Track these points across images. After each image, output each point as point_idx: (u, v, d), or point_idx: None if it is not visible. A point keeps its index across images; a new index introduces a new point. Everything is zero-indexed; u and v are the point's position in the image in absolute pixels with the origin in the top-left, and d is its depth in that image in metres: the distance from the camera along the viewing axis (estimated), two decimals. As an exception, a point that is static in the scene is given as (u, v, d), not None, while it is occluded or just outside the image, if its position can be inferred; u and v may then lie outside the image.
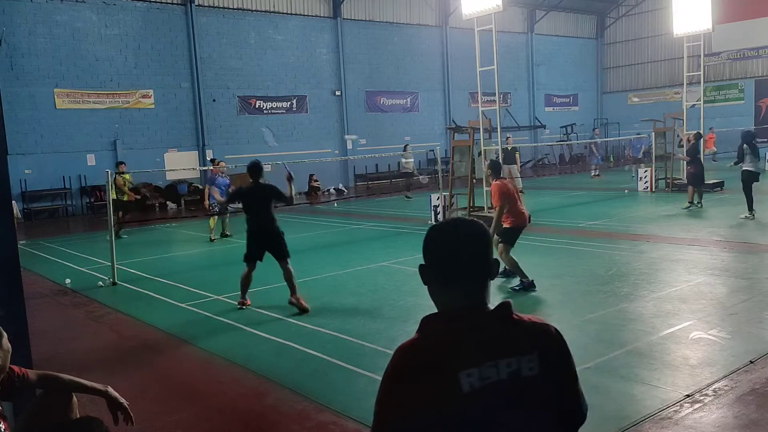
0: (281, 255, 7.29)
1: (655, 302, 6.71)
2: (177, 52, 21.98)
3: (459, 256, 1.66)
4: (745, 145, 12.03)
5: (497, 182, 7.84)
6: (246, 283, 7.35)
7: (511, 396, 1.61)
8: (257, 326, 6.61)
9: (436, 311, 1.71)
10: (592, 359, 5.03)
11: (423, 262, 1.71)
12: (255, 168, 7.62)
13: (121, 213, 13.90)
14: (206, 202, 13.80)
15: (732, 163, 13.14)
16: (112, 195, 12.51)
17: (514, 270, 7.67)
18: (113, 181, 12.93)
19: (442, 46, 29.44)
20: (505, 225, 7.77)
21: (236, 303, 7.47)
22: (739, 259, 8.82)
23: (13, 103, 18.66)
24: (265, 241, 7.30)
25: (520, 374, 1.61)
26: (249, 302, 7.42)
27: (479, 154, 14.11)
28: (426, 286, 1.73)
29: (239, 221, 15.57)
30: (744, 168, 12.07)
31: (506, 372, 1.61)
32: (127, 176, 13.97)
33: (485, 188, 13.67)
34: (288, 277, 7.19)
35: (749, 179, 12.01)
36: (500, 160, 10.35)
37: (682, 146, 19.22)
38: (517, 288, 7.54)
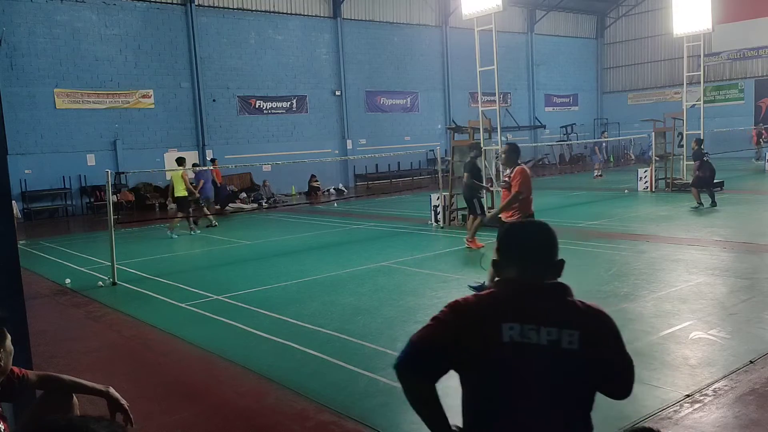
0: (471, 212, 10.86)
1: (655, 302, 6.71)
2: (177, 52, 21.99)
3: (523, 245, 2.04)
4: None
5: (522, 166, 7.59)
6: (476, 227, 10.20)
7: (546, 360, 1.84)
8: (257, 326, 6.61)
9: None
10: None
11: (495, 257, 2.10)
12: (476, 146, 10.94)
13: (181, 211, 14.41)
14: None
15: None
16: (183, 192, 13.85)
17: None
18: (180, 176, 13.84)
19: (442, 46, 29.44)
20: (507, 218, 7.48)
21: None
22: (739, 259, 8.82)
23: (13, 103, 18.65)
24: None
25: (560, 345, 1.84)
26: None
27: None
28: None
29: (234, 223, 15.63)
30: None
31: (546, 339, 1.84)
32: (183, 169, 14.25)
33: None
34: (472, 224, 10.45)
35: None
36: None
37: (682, 146, 19.23)
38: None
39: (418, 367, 1.97)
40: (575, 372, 1.84)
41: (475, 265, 9.16)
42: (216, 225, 15.23)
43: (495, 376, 1.88)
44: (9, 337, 2.66)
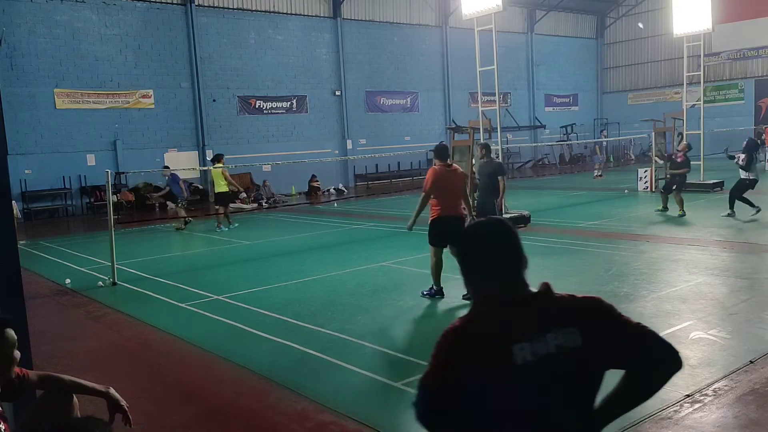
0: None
1: (655, 302, 6.71)
2: (177, 52, 21.98)
3: (491, 249, 1.88)
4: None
5: (433, 167, 7.42)
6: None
7: (557, 367, 1.77)
8: (257, 326, 6.61)
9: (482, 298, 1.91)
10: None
11: (460, 268, 1.95)
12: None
13: (222, 206, 14.87)
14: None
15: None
16: (224, 187, 14.48)
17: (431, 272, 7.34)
18: (220, 173, 14.37)
19: (442, 46, 29.44)
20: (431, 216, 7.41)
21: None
22: (739, 259, 8.82)
23: (13, 103, 18.65)
24: None
25: (565, 346, 1.78)
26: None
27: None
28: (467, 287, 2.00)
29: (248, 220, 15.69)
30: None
31: (554, 344, 1.78)
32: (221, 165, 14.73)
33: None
34: None
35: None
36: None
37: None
38: (424, 293, 7.37)
39: (442, 412, 1.83)
40: (584, 368, 1.81)
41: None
42: (184, 228, 15.32)
43: (510, 400, 1.77)
44: (16, 343, 2.67)
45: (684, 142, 14.26)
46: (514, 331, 1.78)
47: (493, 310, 1.83)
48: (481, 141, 11.92)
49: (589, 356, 1.80)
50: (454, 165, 7.78)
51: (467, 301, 7.13)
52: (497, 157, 14.00)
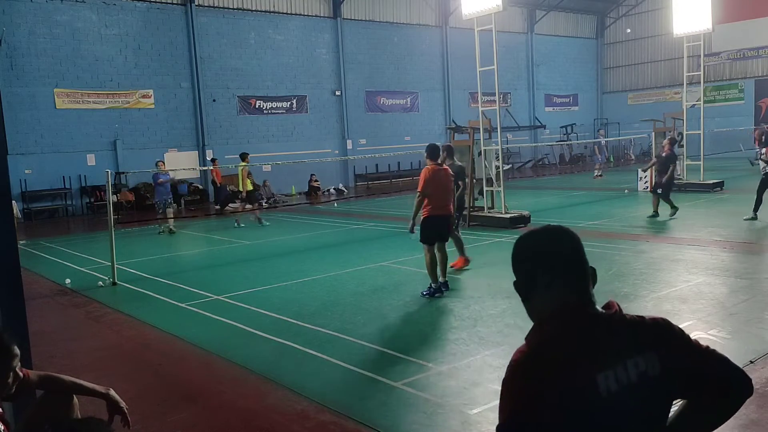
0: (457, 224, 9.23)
1: (655, 302, 6.71)
2: (177, 52, 21.99)
3: (562, 251, 1.69)
4: None
5: (426, 167, 7.48)
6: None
7: (642, 397, 1.62)
8: (257, 326, 6.61)
9: (552, 311, 1.66)
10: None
11: (517, 277, 1.72)
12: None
13: (247, 205, 15.27)
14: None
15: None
16: (241, 186, 14.80)
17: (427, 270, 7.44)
18: (240, 171, 14.70)
19: (442, 46, 29.45)
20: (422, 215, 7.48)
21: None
22: (739, 259, 8.82)
23: (13, 103, 18.66)
24: None
25: (647, 374, 1.62)
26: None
27: (479, 154, 14.09)
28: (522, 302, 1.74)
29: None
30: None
31: (635, 373, 1.61)
32: (245, 164, 14.94)
33: (485, 187, 13.68)
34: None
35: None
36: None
37: (683, 146, 19.19)
38: (424, 293, 7.39)
39: None
40: (663, 397, 1.69)
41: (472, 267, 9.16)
42: (174, 231, 14.73)
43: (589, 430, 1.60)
44: (18, 354, 2.68)
45: (669, 135, 14.09)
46: (595, 356, 1.59)
47: (566, 329, 1.63)
48: (445, 143, 11.63)
49: (667, 384, 1.67)
50: (444, 165, 7.84)
51: (465, 301, 7.13)
52: (499, 158, 14.03)
